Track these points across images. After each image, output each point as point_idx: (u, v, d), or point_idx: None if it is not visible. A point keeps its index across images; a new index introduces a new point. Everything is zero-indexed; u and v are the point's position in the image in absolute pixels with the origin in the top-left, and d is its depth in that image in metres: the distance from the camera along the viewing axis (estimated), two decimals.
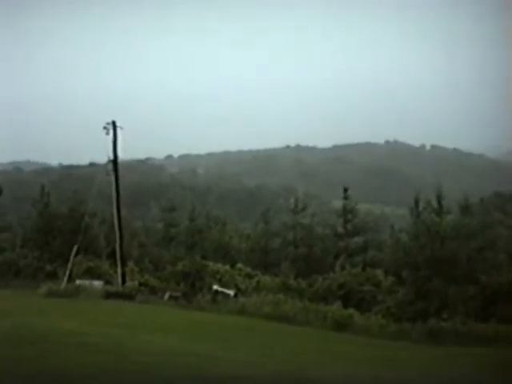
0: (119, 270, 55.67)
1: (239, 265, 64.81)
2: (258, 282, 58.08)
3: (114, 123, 56.01)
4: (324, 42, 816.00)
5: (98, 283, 54.00)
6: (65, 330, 26.09)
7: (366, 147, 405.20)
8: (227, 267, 60.54)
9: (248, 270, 63.68)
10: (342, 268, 58.35)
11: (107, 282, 55.68)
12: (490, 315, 43.22)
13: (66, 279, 53.86)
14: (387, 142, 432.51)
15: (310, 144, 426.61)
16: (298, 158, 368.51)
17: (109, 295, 49.58)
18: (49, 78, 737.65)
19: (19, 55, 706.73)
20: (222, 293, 50.39)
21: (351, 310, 43.04)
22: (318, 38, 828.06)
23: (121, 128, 56.46)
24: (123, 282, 54.84)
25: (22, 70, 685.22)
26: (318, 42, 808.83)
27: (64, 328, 27.02)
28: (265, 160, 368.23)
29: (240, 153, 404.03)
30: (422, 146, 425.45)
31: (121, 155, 57.58)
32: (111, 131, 55.91)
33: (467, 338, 37.48)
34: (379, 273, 55.10)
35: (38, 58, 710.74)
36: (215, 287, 51.78)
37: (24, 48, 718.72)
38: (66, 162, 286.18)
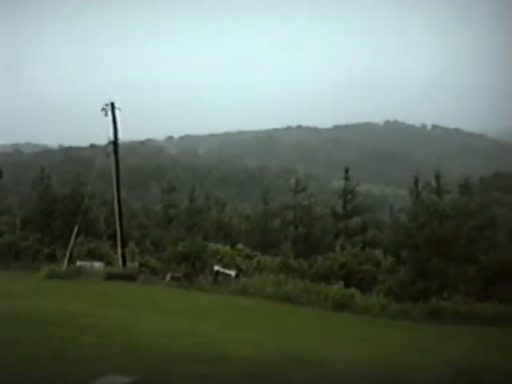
0: (119, 252, 55.78)
1: (239, 245, 64.81)
2: (259, 262, 58.10)
3: (112, 104, 56.00)
4: (323, 29, 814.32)
5: (98, 264, 54.04)
6: (66, 312, 26.11)
7: (366, 127, 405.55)
8: (227, 248, 60.50)
9: (248, 250, 63.69)
10: (342, 248, 58.35)
11: (108, 264, 55.77)
12: (491, 295, 43.30)
13: (66, 261, 53.93)
14: (387, 123, 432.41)
15: (311, 124, 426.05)
16: (298, 138, 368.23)
17: (110, 276, 49.66)
18: (50, 65, 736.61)
19: (22, 47, 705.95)
20: (224, 273, 50.45)
21: (352, 290, 43.12)
22: (317, 25, 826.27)
23: (119, 109, 56.49)
24: (124, 263, 54.96)
25: (25, 60, 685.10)
26: (318, 30, 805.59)
27: (65, 309, 27.04)
28: (266, 141, 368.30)
29: (241, 134, 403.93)
30: (423, 126, 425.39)
31: (121, 137, 57.70)
32: (110, 113, 55.91)
33: (468, 317, 37.63)
34: (379, 253, 55.16)
35: (40, 49, 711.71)
36: (217, 268, 51.84)
37: (27, 41, 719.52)
38: (67, 143, 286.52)
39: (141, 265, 55.03)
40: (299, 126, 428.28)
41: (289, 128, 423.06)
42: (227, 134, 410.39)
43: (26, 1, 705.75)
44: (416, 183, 66.17)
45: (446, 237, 47.43)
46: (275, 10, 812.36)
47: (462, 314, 38.29)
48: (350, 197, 76.99)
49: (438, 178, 62.08)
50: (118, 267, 54.26)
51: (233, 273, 50.62)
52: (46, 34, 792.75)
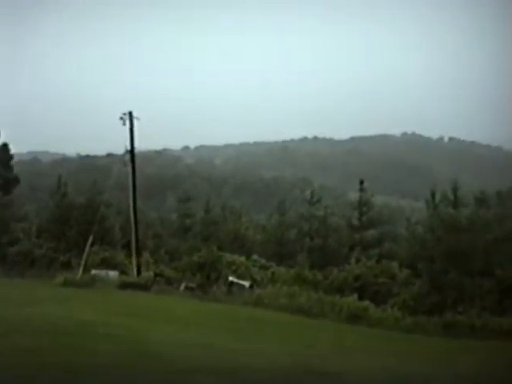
0: (134, 261, 55.81)
1: (254, 256, 64.75)
2: (273, 273, 58.02)
3: (130, 114, 56.16)
4: (341, 39, 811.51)
5: (113, 273, 54.12)
6: (80, 320, 26.16)
7: (383, 139, 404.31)
8: (242, 258, 60.42)
9: (263, 261, 63.62)
10: (358, 260, 58.18)
11: (122, 273, 55.82)
12: (507, 309, 42.98)
13: (81, 269, 54.06)
14: (404, 134, 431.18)
15: (327, 136, 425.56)
16: (314, 149, 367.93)
17: (124, 286, 49.70)
18: (68, 70, 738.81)
19: (38, 52, 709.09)
20: (238, 284, 50.37)
21: (366, 303, 42.94)
22: (334, 34, 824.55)
23: (137, 119, 56.68)
24: (138, 272, 54.99)
25: (41, 65, 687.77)
26: (335, 39, 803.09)
27: (79, 318, 27.08)
28: (282, 152, 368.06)
29: (257, 144, 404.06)
30: (440, 139, 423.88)
31: (138, 146, 57.88)
32: (128, 122, 56.10)
33: (483, 331, 37.35)
34: (394, 265, 54.91)
35: (57, 53, 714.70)
36: (231, 278, 51.77)
37: (43, 45, 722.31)
38: (84, 152, 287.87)
39: (155, 274, 55.05)
40: (315, 137, 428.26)
41: (305, 139, 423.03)
42: (243, 145, 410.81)
43: (45, 5, 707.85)
44: (433, 196, 65.96)
45: (462, 250, 47.20)
46: (291, 27, 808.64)
47: (476, 328, 38.03)
48: (365, 209, 76.86)
49: (455, 190, 61.86)
50: (133, 276, 54.29)
51: (247, 284, 50.52)
52: (64, 42, 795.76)
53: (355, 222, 77.15)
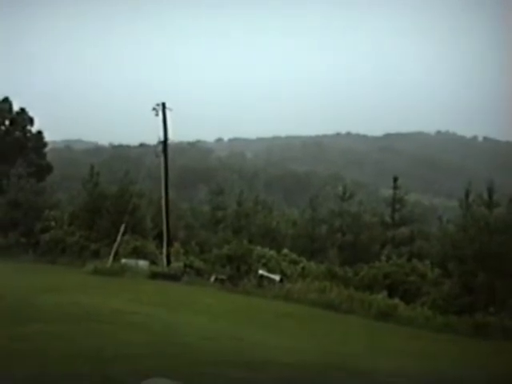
0: (165, 251, 55.93)
1: (285, 250, 64.46)
2: (304, 268, 57.79)
3: (163, 105, 56.26)
4: (374, 32, 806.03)
5: (143, 263, 54.19)
6: (109, 309, 26.21)
7: (417, 137, 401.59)
8: (273, 252, 60.25)
9: (294, 255, 63.34)
10: (388, 258, 57.80)
11: (153, 263, 55.89)
12: None
13: (111, 258, 54.25)
14: (438, 133, 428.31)
15: (361, 132, 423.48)
16: (348, 145, 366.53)
17: (154, 275, 49.80)
18: (103, 60, 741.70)
19: (75, 41, 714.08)
20: (268, 278, 50.25)
21: (396, 301, 42.72)
22: (367, 30, 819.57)
23: (170, 110, 56.74)
24: (168, 262, 55.09)
25: (78, 54, 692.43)
26: (368, 34, 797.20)
27: (108, 306, 27.15)
28: (314, 147, 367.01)
29: (289, 138, 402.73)
30: (474, 138, 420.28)
31: (171, 137, 57.94)
32: (160, 113, 56.22)
33: None
34: (426, 264, 54.48)
35: (94, 43, 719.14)
36: (261, 272, 51.68)
37: (80, 35, 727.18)
38: (117, 142, 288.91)
39: (185, 265, 55.08)
40: (348, 133, 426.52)
41: (338, 135, 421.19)
42: (276, 139, 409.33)
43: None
44: (467, 195, 65.26)
45: (495, 251, 46.66)
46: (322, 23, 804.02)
47: (507, 329, 37.64)
48: (398, 206, 76.33)
49: (490, 190, 61.00)
50: (163, 266, 54.40)
51: (277, 277, 50.36)
52: (101, 33, 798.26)
53: (387, 219, 76.67)
